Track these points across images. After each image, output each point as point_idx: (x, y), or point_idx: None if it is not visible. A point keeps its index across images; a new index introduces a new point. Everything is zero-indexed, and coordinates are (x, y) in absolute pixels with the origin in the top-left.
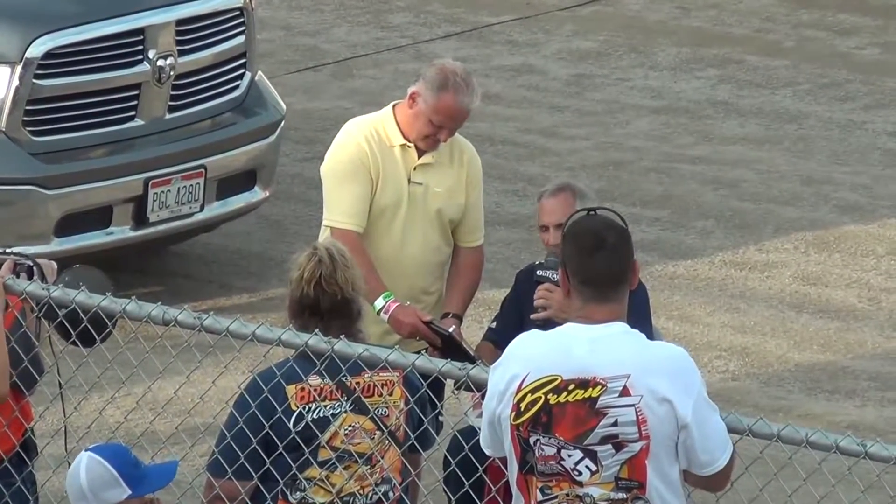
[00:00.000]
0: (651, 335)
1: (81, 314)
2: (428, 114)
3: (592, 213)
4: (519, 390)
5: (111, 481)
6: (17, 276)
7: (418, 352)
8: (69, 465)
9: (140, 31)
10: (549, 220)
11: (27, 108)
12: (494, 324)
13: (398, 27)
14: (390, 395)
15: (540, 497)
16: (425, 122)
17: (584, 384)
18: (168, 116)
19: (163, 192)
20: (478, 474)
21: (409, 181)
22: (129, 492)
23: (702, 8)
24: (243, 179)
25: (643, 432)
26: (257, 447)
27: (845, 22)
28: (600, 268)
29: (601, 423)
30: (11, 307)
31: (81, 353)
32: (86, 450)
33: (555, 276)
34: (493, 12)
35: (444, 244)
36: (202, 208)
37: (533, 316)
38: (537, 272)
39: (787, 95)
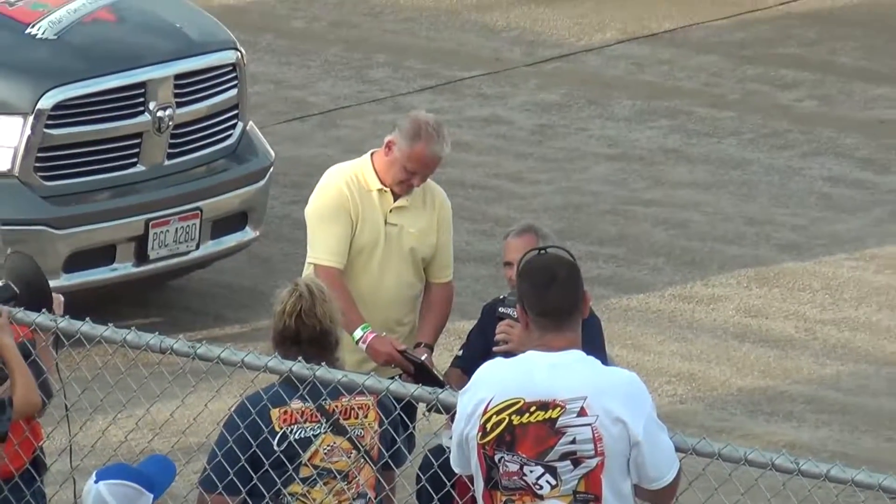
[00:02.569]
0: (605, 361)
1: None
2: (402, 161)
3: (543, 251)
4: (485, 412)
5: (135, 495)
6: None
7: (392, 378)
8: (74, 480)
9: (142, 84)
10: (514, 258)
11: (38, 155)
12: (462, 352)
13: (378, 81)
14: (366, 417)
15: None
16: (400, 168)
17: (544, 406)
18: (167, 163)
19: (162, 231)
20: (446, 489)
21: (385, 222)
22: (152, 496)
23: (654, 64)
24: (236, 220)
25: (599, 449)
26: (245, 464)
27: (786, 77)
28: (554, 300)
29: (560, 441)
30: (22, 336)
31: (86, 379)
32: (95, 482)
33: (514, 312)
34: (464, 67)
35: (416, 280)
36: (198, 247)
37: (495, 349)
38: (499, 309)
39: (733, 144)
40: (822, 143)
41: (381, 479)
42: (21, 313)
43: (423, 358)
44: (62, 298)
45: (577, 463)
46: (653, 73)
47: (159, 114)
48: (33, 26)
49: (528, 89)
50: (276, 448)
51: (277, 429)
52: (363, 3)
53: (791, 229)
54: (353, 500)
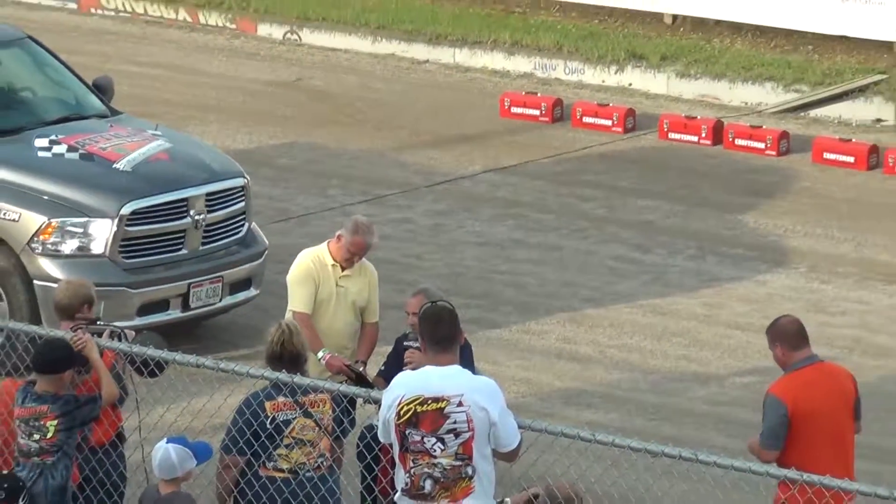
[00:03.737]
0: (474, 372)
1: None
2: (347, 246)
3: (435, 303)
4: (400, 404)
5: (188, 457)
6: (112, 339)
7: (341, 382)
8: (142, 448)
9: (185, 199)
10: (412, 310)
11: (121, 243)
12: (384, 367)
13: (333, 197)
14: (325, 407)
15: (411, 465)
16: (346, 251)
17: (437, 400)
18: (201, 248)
19: (198, 291)
20: (375, 452)
21: (336, 285)
22: (196, 462)
23: (505, 186)
24: (244, 284)
25: (471, 427)
26: (249, 436)
27: (587, 194)
28: (442, 334)
29: (447, 422)
30: (111, 358)
31: (149, 383)
32: (167, 441)
33: (416, 343)
34: (387, 188)
35: (356, 321)
36: (221, 300)
37: (405, 366)
38: (404, 342)
39: (554, 236)
40: (609, 235)
41: (334, 446)
42: (106, 342)
43: (360, 370)
44: (134, 333)
45: (457, 435)
46: (504, 192)
47: (196, 218)
48: (118, 163)
49: (426, 202)
50: (268, 426)
51: (269, 414)
52: (323, 147)
53: (591, 289)
54: (317, 458)
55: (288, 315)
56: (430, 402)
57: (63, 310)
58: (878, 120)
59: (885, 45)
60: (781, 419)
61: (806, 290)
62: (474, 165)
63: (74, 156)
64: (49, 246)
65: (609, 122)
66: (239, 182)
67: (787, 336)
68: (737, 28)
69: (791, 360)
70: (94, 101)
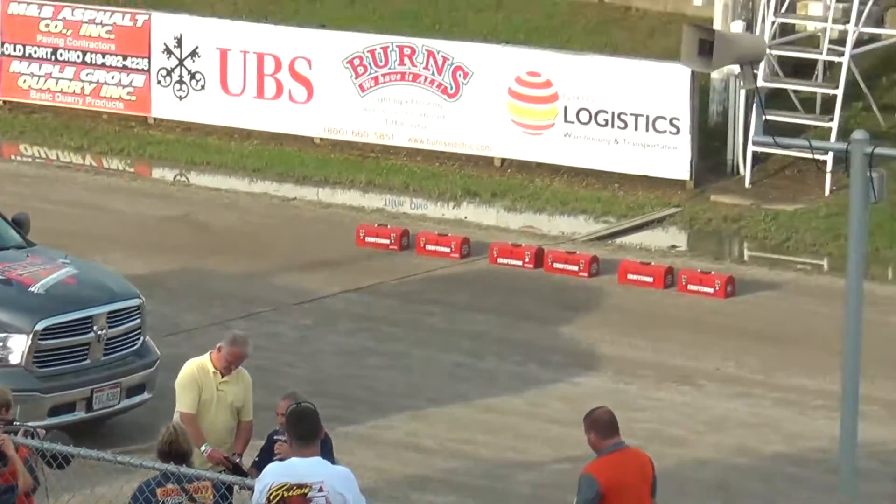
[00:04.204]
0: (333, 462)
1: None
2: (226, 356)
3: (299, 404)
4: (269, 490)
5: None
6: (26, 437)
7: (221, 471)
8: None
9: (89, 317)
10: (281, 411)
11: (34, 355)
12: (257, 458)
13: (215, 313)
14: (206, 492)
15: None
16: (225, 360)
17: (301, 486)
18: (103, 358)
19: (100, 395)
20: None
21: (217, 389)
22: None
23: (359, 304)
24: (139, 388)
25: None
26: None
27: (425, 310)
28: (305, 430)
29: None
30: (25, 452)
31: (58, 474)
32: None
33: (284, 438)
34: (261, 306)
35: (233, 420)
36: (119, 402)
37: (275, 457)
38: (274, 437)
39: (408, 344)
40: (449, 345)
41: None
42: (21, 439)
43: (237, 461)
44: (44, 431)
45: None
46: (360, 309)
47: (99, 333)
48: (33, 287)
49: (294, 318)
50: None
51: (160, 499)
52: (207, 272)
53: (433, 390)
54: None
55: (176, 415)
56: (294, 488)
57: None
58: (673, 246)
59: (679, 183)
60: (595, 494)
61: (613, 390)
62: (334, 287)
63: None
64: None
65: (448, 249)
66: (135, 302)
67: (600, 425)
68: (555, 170)
69: (602, 445)
70: (13, 235)
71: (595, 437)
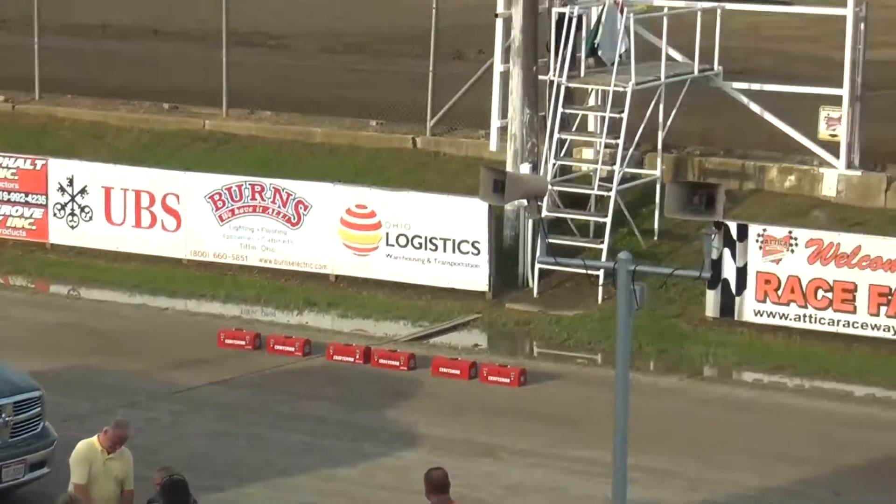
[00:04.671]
0: None
1: None
2: (111, 437)
3: (171, 476)
4: None
5: None
6: None
7: None
8: None
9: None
10: (157, 482)
11: None
12: None
13: (103, 403)
14: None
15: None
16: (110, 440)
17: None
18: (10, 440)
19: (8, 470)
20: None
21: (104, 464)
22: None
23: (215, 393)
24: (40, 464)
25: None
26: None
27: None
28: (177, 499)
29: None
30: None
31: None
32: None
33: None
34: (142, 396)
35: (118, 489)
36: (24, 476)
37: None
38: (152, 503)
39: (262, 426)
40: (293, 426)
41: None
42: None
43: None
44: None
45: None
46: (222, 399)
47: (6, 419)
48: None
49: (168, 405)
50: None
51: None
52: (95, 369)
53: (283, 462)
54: None
55: (70, 486)
56: None
57: None
58: (476, 345)
59: (480, 294)
60: None
61: (429, 461)
62: (201, 380)
63: None
64: None
65: (293, 349)
66: (37, 393)
67: (430, 482)
68: (380, 284)
69: (432, 500)
70: None
71: (427, 492)
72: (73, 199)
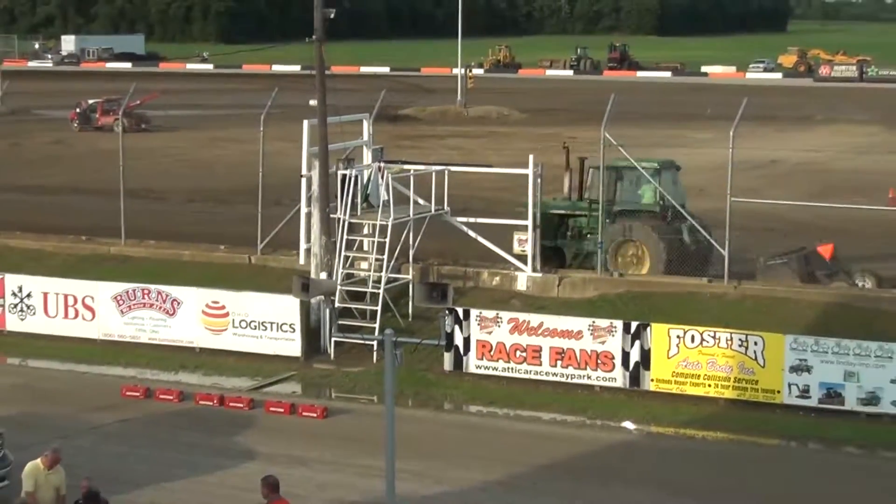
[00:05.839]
0: None
1: None
2: (50, 458)
3: (90, 489)
4: None
5: None
6: None
7: None
8: None
9: None
10: (83, 486)
11: None
12: None
13: (45, 438)
14: None
15: None
16: (49, 461)
17: None
18: None
19: None
20: None
21: (45, 478)
22: None
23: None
24: (3, 479)
25: None
26: None
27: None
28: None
29: None
30: None
31: None
32: None
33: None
34: (72, 431)
35: (56, 495)
36: None
37: None
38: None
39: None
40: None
41: None
42: None
43: None
44: None
45: None
46: (123, 431)
47: None
48: None
49: (89, 437)
50: None
51: None
52: (37, 425)
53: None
54: None
55: (22, 493)
56: None
57: None
58: (294, 392)
59: (295, 358)
60: None
61: (266, 470)
62: (110, 419)
63: None
64: None
65: (172, 397)
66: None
67: (269, 484)
68: (229, 352)
69: (271, 497)
70: None
71: (267, 491)
72: (22, 300)
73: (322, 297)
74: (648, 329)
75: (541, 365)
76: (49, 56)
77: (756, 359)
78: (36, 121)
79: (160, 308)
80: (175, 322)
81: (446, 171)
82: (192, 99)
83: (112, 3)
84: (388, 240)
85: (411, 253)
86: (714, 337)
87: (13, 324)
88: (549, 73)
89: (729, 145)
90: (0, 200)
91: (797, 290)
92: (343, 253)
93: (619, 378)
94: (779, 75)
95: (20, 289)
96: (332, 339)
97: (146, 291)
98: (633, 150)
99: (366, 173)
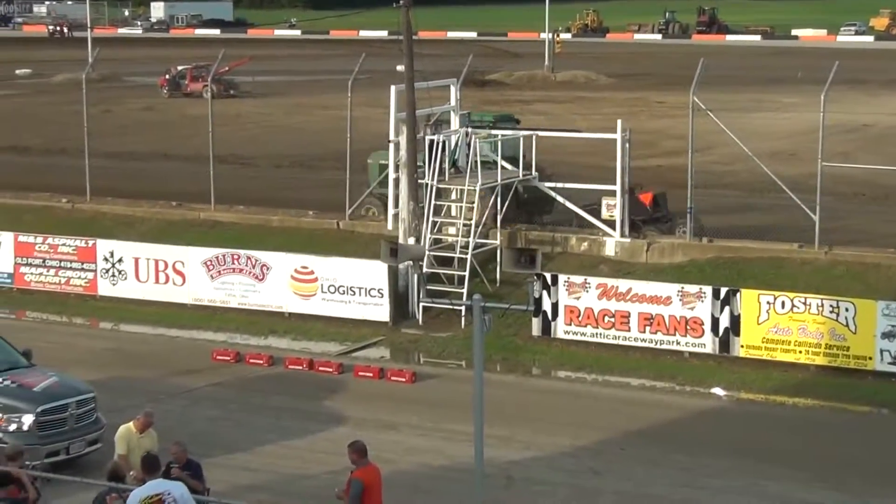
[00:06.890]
0: (203, 478)
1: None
2: (142, 422)
3: (149, 454)
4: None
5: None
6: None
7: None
8: None
9: (66, 404)
10: (173, 451)
11: (37, 424)
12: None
13: (136, 401)
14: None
15: None
16: (142, 424)
17: (157, 496)
18: (75, 425)
19: (73, 445)
20: None
21: (137, 441)
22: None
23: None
24: (95, 441)
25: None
26: None
27: None
28: (151, 464)
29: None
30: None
31: (47, 490)
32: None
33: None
34: (161, 395)
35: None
36: (84, 450)
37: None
38: (171, 465)
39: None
40: None
41: None
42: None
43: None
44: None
45: None
46: (215, 394)
47: (72, 412)
48: (35, 388)
49: (178, 401)
50: None
51: (108, 502)
52: (128, 388)
53: None
54: None
55: (115, 456)
56: (153, 495)
57: (10, 457)
58: (382, 357)
59: (384, 324)
60: (361, 489)
61: (354, 435)
62: (201, 383)
63: (14, 385)
64: (2, 426)
65: (262, 361)
66: (92, 394)
67: (356, 449)
68: (318, 318)
69: (360, 462)
70: (23, 360)
71: (356, 456)
72: (113, 265)
73: (410, 262)
74: (738, 295)
75: (629, 331)
76: (138, 23)
77: (847, 325)
78: (126, 87)
79: (250, 273)
80: (264, 287)
81: (534, 136)
82: (280, 65)
83: None
84: (475, 205)
85: (499, 218)
86: (805, 303)
87: (105, 288)
88: (637, 37)
89: (820, 109)
90: (92, 166)
91: (889, 256)
92: (431, 218)
93: (708, 344)
94: (870, 38)
95: (112, 254)
96: (420, 305)
97: (236, 256)
98: (721, 114)
99: (453, 138)
